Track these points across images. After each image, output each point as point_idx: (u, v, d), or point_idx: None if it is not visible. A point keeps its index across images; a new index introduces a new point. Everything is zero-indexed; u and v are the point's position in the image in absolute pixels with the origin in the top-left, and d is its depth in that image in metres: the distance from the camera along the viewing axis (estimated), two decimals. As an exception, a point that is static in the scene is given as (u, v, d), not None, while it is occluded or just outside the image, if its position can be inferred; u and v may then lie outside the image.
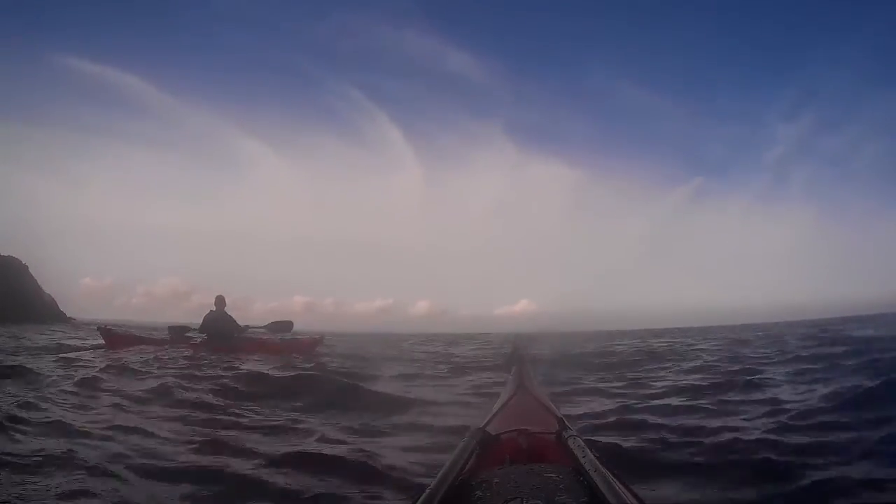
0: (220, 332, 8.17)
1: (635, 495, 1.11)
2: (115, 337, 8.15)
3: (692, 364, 7.82)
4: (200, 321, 8.38)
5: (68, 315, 36.70)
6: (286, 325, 9.34)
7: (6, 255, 31.84)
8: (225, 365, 6.26)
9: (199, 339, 8.35)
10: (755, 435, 3.13)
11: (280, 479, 2.38)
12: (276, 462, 2.62)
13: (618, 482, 0.97)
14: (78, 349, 7.71)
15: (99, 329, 8.37)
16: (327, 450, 2.86)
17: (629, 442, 3.06)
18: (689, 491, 2.37)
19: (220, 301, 8.39)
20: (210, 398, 4.28)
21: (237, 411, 3.86)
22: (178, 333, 8.50)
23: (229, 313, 8.41)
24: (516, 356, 2.44)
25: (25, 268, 32.81)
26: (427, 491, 0.98)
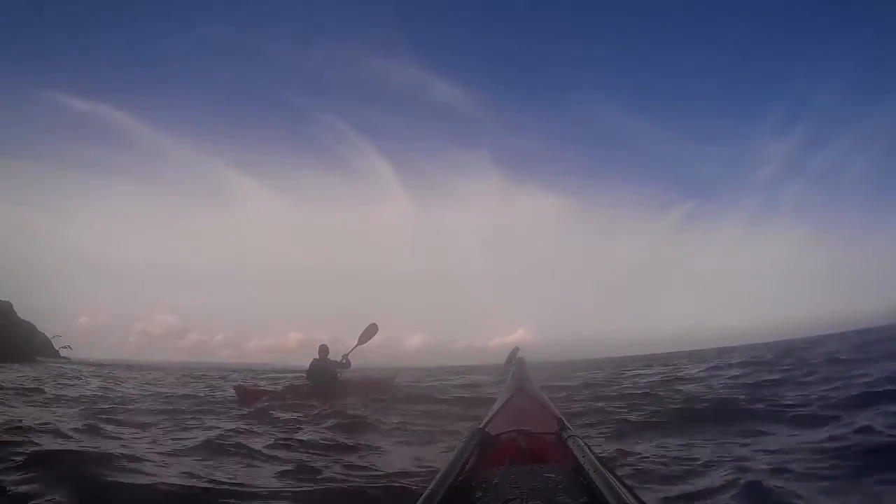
0: (324, 378, 8.97)
1: (635, 495, 1.10)
2: (247, 393, 8.95)
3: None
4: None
5: (62, 354, 37.30)
6: (373, 330, 9.75)
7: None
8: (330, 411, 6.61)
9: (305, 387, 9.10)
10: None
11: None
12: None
13: (618, 482, 0.97)
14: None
15: (235, 388, 9.16)
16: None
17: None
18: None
19: (323, 350, 9.16)
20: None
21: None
22: (291, 385, 9.54)
23: (330, 359, 9.14)
24: (515, 358, 2.45)
25: (10, 305, 33.01)
26: (427, 491, 0.98)
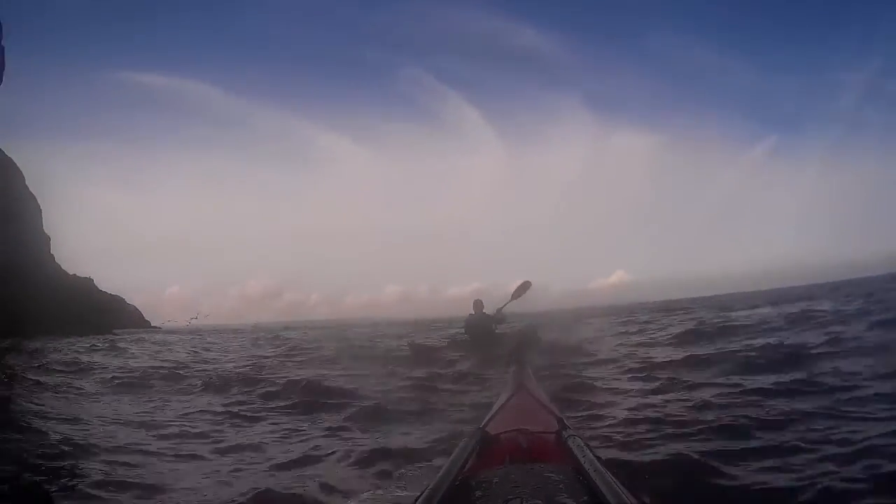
0: (482, 332, 9.13)
1: (635, 495, 1.11)
2: (420, 348, 9.40)
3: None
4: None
5: (153, 324, 38.13)
6: (526, 286, 9.69)
7: (84, 276, 35.40)
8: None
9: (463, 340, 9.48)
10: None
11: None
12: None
13: (617, 482, 0.97)
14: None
15: (409, 345, 9.66)
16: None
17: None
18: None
19: (478, 304, 9.37)
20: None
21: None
22: (453, 340, 9.91)
23: (486, 312, 9.32)
24: (516, 355, 2.45)
25: (90, 281, 35.73)
26: (426, 491, 0.98)
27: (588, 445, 1.24)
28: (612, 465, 1.74)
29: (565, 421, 1.50)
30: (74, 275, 36.03)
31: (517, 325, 10.34)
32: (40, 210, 36.33)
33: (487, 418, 1.69)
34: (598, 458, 1.14)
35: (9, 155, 34.61)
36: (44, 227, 36.36)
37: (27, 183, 35.85)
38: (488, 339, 8.97)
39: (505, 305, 9.40)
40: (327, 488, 2.45)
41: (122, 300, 38.84)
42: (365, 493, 2.39)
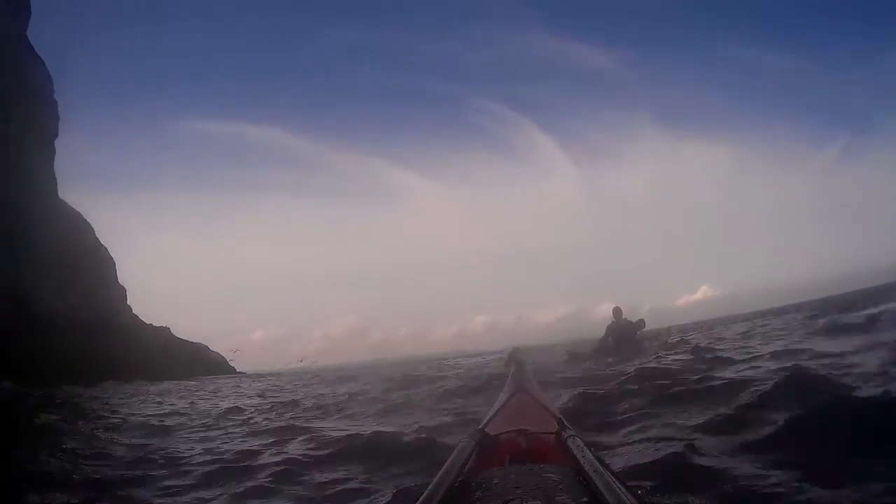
0: (626, 337, 9.47)
1: (635, 495, 1.11)
2: (576, 356, 9.49)
3: None
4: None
5: (238, 370, 38.29)
6: (641, 325, 10.07)
7: (161, 325, 36.88)
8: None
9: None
10: None
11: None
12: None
13: (617, 482, 0.97)
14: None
15: (567, 352, 9.66)
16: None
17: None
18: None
19: (617, 311, 9.71)
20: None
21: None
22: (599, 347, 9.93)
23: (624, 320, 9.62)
24: (515, 358, 2.46)
25: (168, 330, 37.42)
26: (426, 492, 0.98)
27: (587, 446, 1.25)
28: (611, 465, 1.74)
29: (565, 421, 1.50)
30: (151, 324, 36.92)
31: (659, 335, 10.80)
32: (114, 262, 37.17)
33: (487, 419, 1.69)
34: (598, 459, 1.14)
35: (76, 209, 35.19)
36: (118, 279, 37.09)
37: (97, 235, 36.55)
38: (631, 345, 9.46)
39: (639, 321, 9.78)
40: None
41: (206, 347, 39.60)
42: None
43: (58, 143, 34.63)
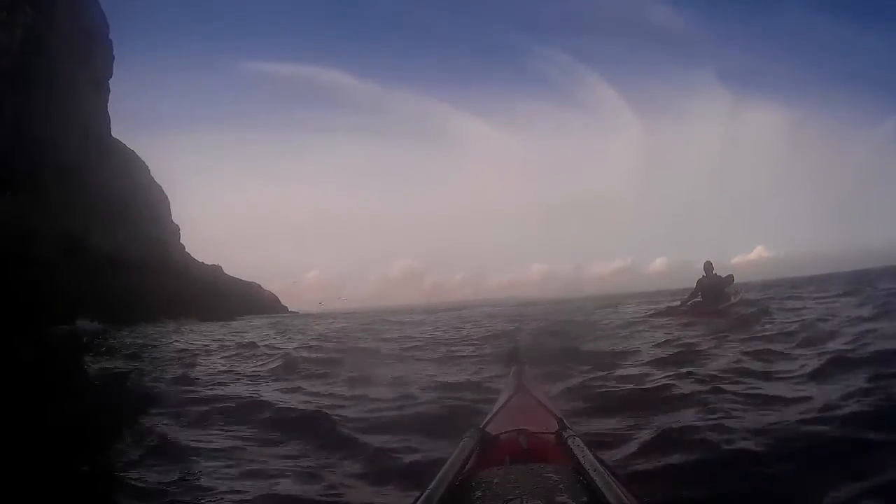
0: (716, 293, 9.58)
1: (635, 495, 1.11)
2: (667, 311, 10.46)
3: None
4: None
5: (290, 309, 39.45)
6: (730, 279, 10.11)
7: (212, 263, 37.51)
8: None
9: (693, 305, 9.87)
10: None
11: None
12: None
13: (617, 482, 0.98)
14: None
15: (666, 309, 10.61)
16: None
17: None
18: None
19: (708, 266, 9.79)
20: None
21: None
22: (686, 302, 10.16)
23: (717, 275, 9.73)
24: (516, 355, 2.45)
25: (219, 268, 37.83)
26: (426, 491, 0.99)
27: (588, 445, 1.24)
28: (612, 465, 1.75)
29: (565, 421, 1.48)
30: (203, 262, 37.32)
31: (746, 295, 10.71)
32: (168, 201, 37.21)
33: (487, 418, 1.68)
34: (598, 458, 1.14)
35: (131, 147, 35.16)
36: (172, 218, 37.35)
37: (153, 174, 36.53)
38: (721, 300, 9.50)
39: (728, 276, 9.82)
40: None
41: (259, 286, 40.03)
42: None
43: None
